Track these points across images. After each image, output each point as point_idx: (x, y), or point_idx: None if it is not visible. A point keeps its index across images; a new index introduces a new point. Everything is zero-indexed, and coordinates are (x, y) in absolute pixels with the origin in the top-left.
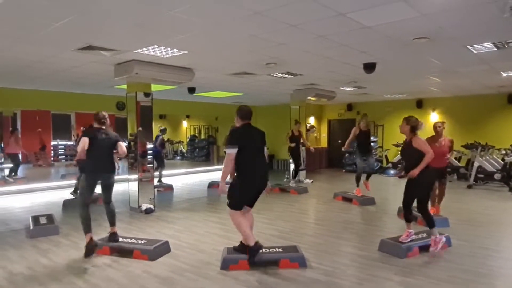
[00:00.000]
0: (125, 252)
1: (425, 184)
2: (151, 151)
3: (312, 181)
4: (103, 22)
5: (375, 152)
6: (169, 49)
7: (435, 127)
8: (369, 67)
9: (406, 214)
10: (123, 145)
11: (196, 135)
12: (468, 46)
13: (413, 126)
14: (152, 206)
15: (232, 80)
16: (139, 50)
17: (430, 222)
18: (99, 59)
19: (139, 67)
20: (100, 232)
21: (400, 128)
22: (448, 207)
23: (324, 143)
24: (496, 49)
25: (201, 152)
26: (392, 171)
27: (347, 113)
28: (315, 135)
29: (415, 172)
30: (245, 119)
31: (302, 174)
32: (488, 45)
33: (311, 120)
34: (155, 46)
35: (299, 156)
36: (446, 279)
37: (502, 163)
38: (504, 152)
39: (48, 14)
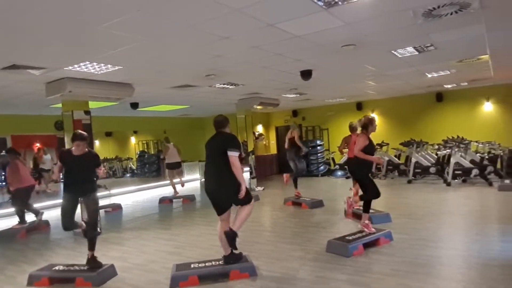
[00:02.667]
0: (66, 281)
1: None
2: None
3: (264, 188)
4: (28, 40)
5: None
6: (102, 65)
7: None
8: (306, 74)
9: None
10: None
11: (146, 150)
12: (392, 51)
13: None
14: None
15: (175, 93)
16: (70, 68)
17: None
18: (28, 78)
19: (72, 85)
20: (40, 262)
21: None
22: (390, 203)
23: (273, 149)
24: (417, 53)
25: (151, 167)
26: (339, 173)
27: (293, 119)
28: (264, 142)
29: None
30: (216, 129)
31: (253, 182)
32: (410, 49)
33: (259, 128)
34: (87, 62)
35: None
36: (389, 272)
37: (436, 157)
38: (437, 147)
39: None
